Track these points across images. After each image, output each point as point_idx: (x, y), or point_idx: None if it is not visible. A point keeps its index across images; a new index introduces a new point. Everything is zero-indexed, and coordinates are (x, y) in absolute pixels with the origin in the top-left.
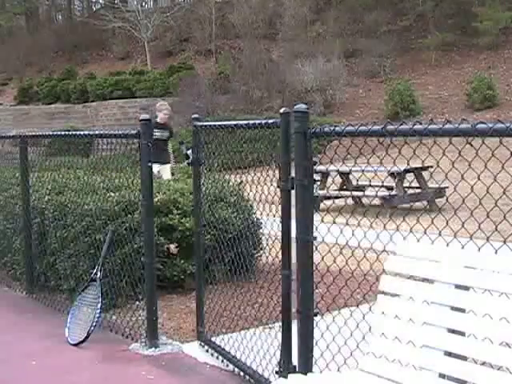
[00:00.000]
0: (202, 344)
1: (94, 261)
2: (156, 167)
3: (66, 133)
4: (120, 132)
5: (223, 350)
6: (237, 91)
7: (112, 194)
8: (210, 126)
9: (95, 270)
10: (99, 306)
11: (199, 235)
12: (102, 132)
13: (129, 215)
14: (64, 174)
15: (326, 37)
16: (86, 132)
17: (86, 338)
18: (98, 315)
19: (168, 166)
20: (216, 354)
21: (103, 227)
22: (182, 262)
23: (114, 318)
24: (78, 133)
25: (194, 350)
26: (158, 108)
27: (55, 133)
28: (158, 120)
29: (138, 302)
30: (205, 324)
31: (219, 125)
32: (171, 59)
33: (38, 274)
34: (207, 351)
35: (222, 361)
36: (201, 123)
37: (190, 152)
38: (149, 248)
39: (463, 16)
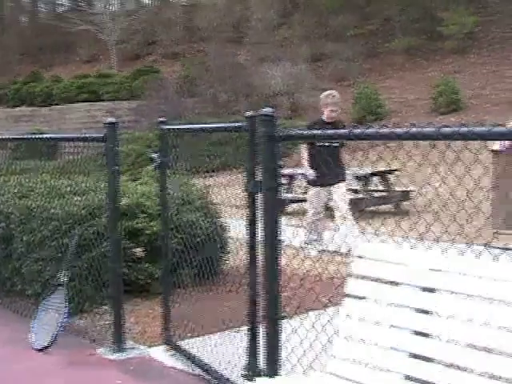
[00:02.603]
0: (169, 348)
1: (60, 265)
2: (322, 190)
3: (32, 136)
4: (86, 135)
5: (190, 353)
6: (203, 94)
7: (79, 198)
8: (177, 129)
9: (61, 275)
10: (65, 310)
11: (166, 239)
12: (67, 135)
13: (95, 219)
14: (30, 178)
15: (292, 40)
16: (52, 135)
17: (52, 342)
18: (64, 320)
19: (343, 186)
20: (183, 358)
21: (70, 231)
22: (149, 265)
23: (80, 322)
24: (43, 136)
25: (160, 354)
26: (323, 101)
27: (21, 136)
28: (324, 118)
29: (104, 307)
30: (171, 328)
31: (186, 128)
32: (138, 62)
33: (3, 279)
34: (174, 355)
35: (189, 365)
36: (167, 126)
37: (156, 155)
38: (115, 252)
39: (429, 20)
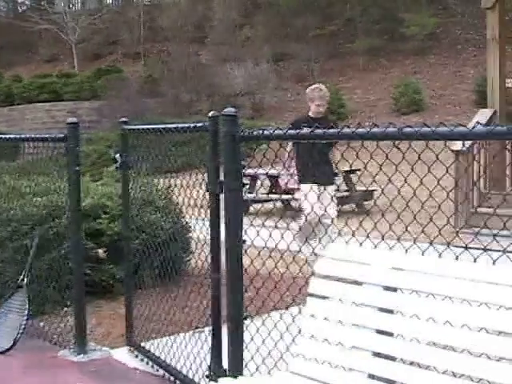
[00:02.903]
0: (132, 349)
1: (20, 267)
2: (310, 190)
3: None
4: (47, 136)
5: (153, 355)
6: (165, 95)
7: (39, 199)
8: (139, 129)
9: (22, 276)
10: (26, 312)
11: (128, 240)
12: (28, 136)
13: (56, 220)
14: None
15: (254, 41)
16: (12, 135)
17: (13, 345)
18: (25, 322)
19: (332, 189)
20: (146, 360)
21: (30, 232)
22: (111, 266)
23: (41, 324)
24: (3, 136)
25: (123, 355)
26: (308, 96)
27: None
28: (310, 113)
29: (66, 308)
30: (134, 329)
31: (148, 128)
32: (99, 62)
33: None
34: (137, 356)
35: (152, 366)
36: (129, 127)
37: (117, 156)
38: (76, 253)
39: (390, 21)
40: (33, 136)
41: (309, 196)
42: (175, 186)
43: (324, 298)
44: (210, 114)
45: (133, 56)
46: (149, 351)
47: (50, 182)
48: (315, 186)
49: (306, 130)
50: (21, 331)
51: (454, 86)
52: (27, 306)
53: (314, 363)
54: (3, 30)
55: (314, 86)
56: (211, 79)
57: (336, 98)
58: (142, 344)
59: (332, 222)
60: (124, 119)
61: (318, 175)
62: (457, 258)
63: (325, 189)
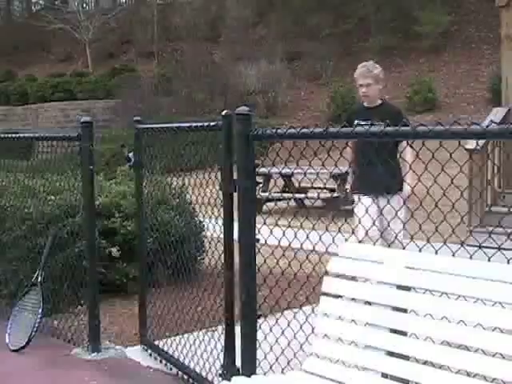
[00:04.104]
0: (145, 348)
1: (35, 265)
2: (359, 202)
3: (5, 135)
4: (61, 134)
5: (166, 353)
6: (179, 93)
7: (53, 198)
8: (152, 128)
9: (36, 275)
10: (40, 310)
11: (141, 238)
12: (42, 134)
13: (70, 218)
14: (3, 178)
15: (268, 39)
16: (27, 134)
17: (27, 343)
18: (39, 320)
19: (391, 201)
20: (159, 358)
21: (44, 231)
22: (125, 265)
23: (55, 322)
24: (18, 135)
25: (137, 353)
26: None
27: None
28: (366, 104)
29: (80, 307)
30: (148, 328)
31: (161, 127)
32: (113, 61)
33: None
34: (150, 355)
35: (166, 364)
36: (142, 125)
37: (131, 155)
38: (90, 252)
39: (404, 20)
40: (47, 135)
41: (359, 212)
42: (188, 184)
43: (337, 296)
44: (224, 113)
45: (146, 55)
46: (162, 350)
47: (64, 181)
48: (366, 199)
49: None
50: (35, 329)
51: (468, 84)
52: (41, 305)
53: (328, 362)
54: (18, 29)
55: (359, 65)
56: (225, 78)
57: (349, 96)
58: (156, 342)
59: (396, 238)
60: (137, 118)
61: (371, 183)
62: (471, 257)
63: (379, 201)
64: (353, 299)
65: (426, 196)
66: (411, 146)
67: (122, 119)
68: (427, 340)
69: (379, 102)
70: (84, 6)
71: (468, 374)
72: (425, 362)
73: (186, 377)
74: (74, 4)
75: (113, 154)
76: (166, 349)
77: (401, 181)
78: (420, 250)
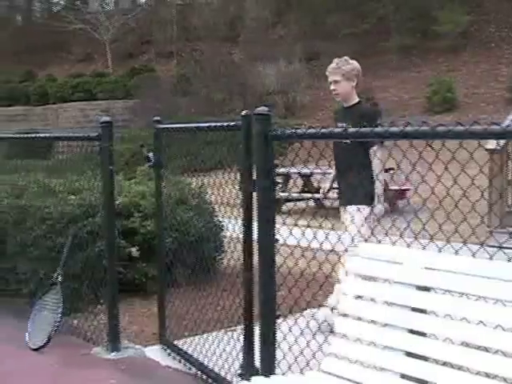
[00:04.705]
0: (164, 347)
1: (55, 264)
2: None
3: (26, 135)
4: (80, 134)
5: (185, 353)
6: (198, 94)
7: (73, 197)
8: (172, 128)
9: (56, 274)
10: (60, 310)
11: (161, 238)
12: (62, 134)
13: (90, 218)
14: (24, 177)
15: (287, 39)
16: (46, 134)
17: (47, 342)
18: (59, 319)
19: (354, 212)
20: (178, 357)
21: (64, 231)
22: (144, 265)
23: (75, 321)
24: (38, 135)
25: (156, 353)
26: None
27: (15, 135)
28: (344, 103)
29: (99, 306)
30: (167, 327)
31: (180, 127)
32: (132, 61)
33: None
34: (169, 354)
35: (185, 364)
36: (162, 125)
37: (150, 155)
38: (110, 251)
39: (423, 19)
40: (67, 135)
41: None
42: (208, 184)
43: (356, 297)
44: (243, 113)
45: (166, 55)
46: (181, 349)
47: (83, 181)
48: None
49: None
50: (55, 328)
51: (487, 84)
52: (61, 304)
53: (346, 362)
54: (38, 30)
55: None
56: (244, 78)
57: (368, 96)
58: (175, 342)
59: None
60: (157, 118)
61: (340, 193)
62: (491, 258)
63: (344, 212)
64: (372, 299)
65: (445, 196)
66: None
67: (141, 119)
68: (446, 341)
69: (355, 101)
70: (104, 6)
71: (487, 376)
72: (444, 363)
73: (204, 376)
74: (94, 4)
75: (132, 154)
76: (185, 348)
77: (369, 194)
78: (440, 251)
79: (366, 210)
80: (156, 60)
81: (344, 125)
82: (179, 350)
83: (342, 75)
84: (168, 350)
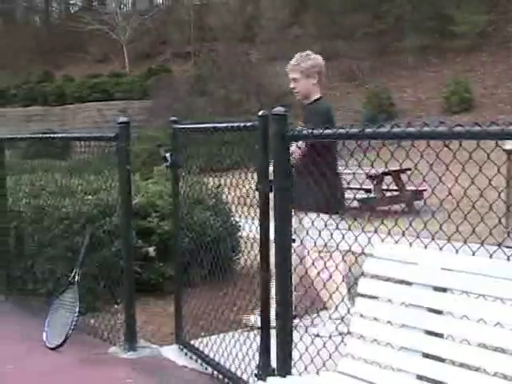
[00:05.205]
0: (181, 347)
1: (72, 264)
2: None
3: (44, 135)
4: (98, 135)
5: (202, 352)
6: (215, 94)
7: (90, 197)
8: (189, 128)
9: (73, 274)
10: (77, 309)
11: (178, 238)
12: (79, 135)
13: (107, 218)
14: (41, 177)
15: (304, 39)
16: (64, 134)
17: (64, 341)
18: (75, 319)
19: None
20: (195, 357)
21: (81, 230)
22: (160, 265)
23: (92, 321)
24: (55, 135)
25: (172, 353)
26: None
27: (32, 135)
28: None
29: (116, 306)
30: (183, 327)
31: (197, 127)
32: (149, 62)
33: (15, 278)
34: (186, 354)
35: (201, 364)
36: (179, 126)
37: (168, 155)
38: (127, 251)
39: (440, 19)
40: (84, 135)
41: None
42: (224, 184)
43: (373, 297)
44: (260, 113)
45: (182, 55)
46: (198, 349)
47: (100, 181)
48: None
49: (354, 129)
50: (72, 328)
51: (505, 84)
52: (78, 303)
53: (363, 363)
54: (55, 30)
55: None
56: (260, 78)
57: (385, 96)
58: (191, 342)
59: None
60: (174, 118)
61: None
62: (508, 259)
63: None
64: (388, 300)
65: (463, 197)
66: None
67: (158, 119)
68: (463, 342)
69: (315, 97)
70: (121, 7)
71: (504, 377)
72: (461, 365)
73: (221, 376)
74: (112, 5)
75: (149, 154)
76: (201, 348)
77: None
78: (457, 252)
79: None
80: (173, 60)
81: (303, 124)
82: (196, 349)
83: (301, 72)
84: (184, 350)
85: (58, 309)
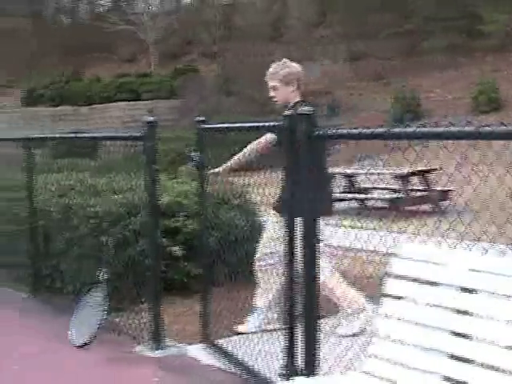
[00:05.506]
0: (207, 346)
1: (99, 263)
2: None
3: (72, 135)
4: (125, 134)
5: (228, 352)
6: (241, 93)
7: (117, 197)
8: (214, 128)
9: (100, 272)
10: (104, 308)
11: (204, 238)
12: (107, 134)
13: (134, 217)
14: (69, 176)
15: (330, 39)
16: (92, 134)
17: (92, 340)
18: (103, 317)
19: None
20: (221, 356)
21: (108, 229)
22: (186, 264)
23: (118, 320)
24: (83, 135)
25: (199, 352)
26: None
27: (61, 135)
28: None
29: (142, 304)
30: (209, 326)
31: (224, 127)
32: (176, 61)
33: (43, 276)
34: (212, 353)
35: (227, 363)
36: (205, 125)
37: (193, 154)
38: (154, 250)
39: (468, 19)
40: (111, 135)
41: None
42: (249, 184)
43: (399, 298)
44: (286, 113)
45: (209, 55)
46: (223, 348)
47: (127, 180)
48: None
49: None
50: (99, 326)
51: None
52: (105, 302)
53: (388, 364)
54: (83, 30)
55: None
56: None
57: (412, 96)
58: (217, 341)
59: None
60: (200, 118)
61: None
62: None
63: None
64: (414, 301)
65: (490, 197)
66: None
67: (185, 119)
68: (491, 344)
69: (295, 101)
70: (149, 7)
71: None
72: (488, 366)
73: (246, 376)
74: (139, 5)
75: (176, 154)
76: (227, 347)
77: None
78: (486, 252)
79: None
80: (199, 60)
81: None
82: (221, 348)
83: (280, 80)
84: (210, 349)
85: (85, 307)
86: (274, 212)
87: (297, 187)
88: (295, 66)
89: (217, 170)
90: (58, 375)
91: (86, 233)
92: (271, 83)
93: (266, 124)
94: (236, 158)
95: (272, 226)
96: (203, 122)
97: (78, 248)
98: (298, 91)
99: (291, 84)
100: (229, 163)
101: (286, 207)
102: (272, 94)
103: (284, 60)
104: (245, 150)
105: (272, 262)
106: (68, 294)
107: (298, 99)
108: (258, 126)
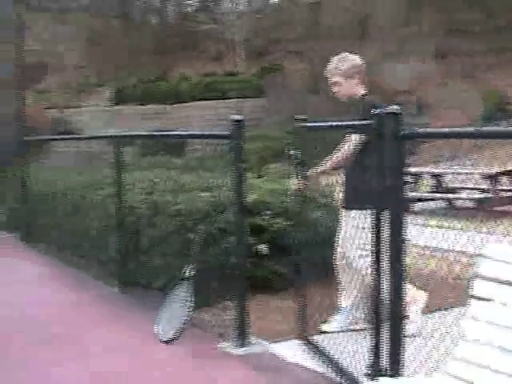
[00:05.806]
0: (294, 344)
1: (185, 259)
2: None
3: (160, 133)
4: (212, 133)
5: (315, 350)
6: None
7: (204, 194)
8: (310, 126)
9: (186, 269)
10: (190, 304)
11: (296, 236)
12: (194, 132)
13: (220, 215)
14: (157, 174)
15: (418, 37)
16: (179, 132)
17: (178, 335)
18: (189, 313)
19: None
20: (307, 355)
21: (195, 227)
22: (272, 262)
23: (204, 316)
24: (170, 133)
25: (283, 350)
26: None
27: (149, 133)
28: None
29: (228, 302)
30: (297, 324)
31: (318, 125)
32: (262, 60)
33: (129, 271)
34: (298, 351)
35: (314, 361)
36: (302, 124)
37: (294, 153)
38: (240, 248)
39: None
40: (198, 133)
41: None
42: (336, 182)
43: (487, 300)
44: (375, 112)
45: (295, 54)
46: (310, 347)
47: (214, 178)
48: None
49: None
50: (184, 322)
51: None
52: (191, 298)
53: (475, 367)
54: (171, 30)
55: None
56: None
57: (503, 94)
58: (303, 339)
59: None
60: (300, 116)
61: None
62: None
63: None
64: (503, 304)
65: None
66: None
67: (272, 117)
68: None
69: (360, 94)
70: (236, 6)
71: None
72: None
73: (333, 374)
74: (227, 5)
75: (263, 153)
76: (314, 346)
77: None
78: None
79: None
80: (285, 59)
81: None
82: (308, 347)
83: (342, 75)
84: (296, 347)
85: (171, 303)
86: (344, 210)
87: (381, 185)
88: (356, 59)
89: (318, 170)
90: (142, 368)
91: (173, 229)
92: (333, 79)
93: (357, 123)
94: (331, 161)
95: (344, 223)
96: (299, 120)
97: (166, 244)
98: (361, 84)
99: (354, 77)
100: (325, 165)
101: (372, 202)
102: (335, 89)
103: (344, 54)
104: (338, 154)
105: (344, 262)
106: (154, 289)
107: (362, 92)
108: (347, 125)
